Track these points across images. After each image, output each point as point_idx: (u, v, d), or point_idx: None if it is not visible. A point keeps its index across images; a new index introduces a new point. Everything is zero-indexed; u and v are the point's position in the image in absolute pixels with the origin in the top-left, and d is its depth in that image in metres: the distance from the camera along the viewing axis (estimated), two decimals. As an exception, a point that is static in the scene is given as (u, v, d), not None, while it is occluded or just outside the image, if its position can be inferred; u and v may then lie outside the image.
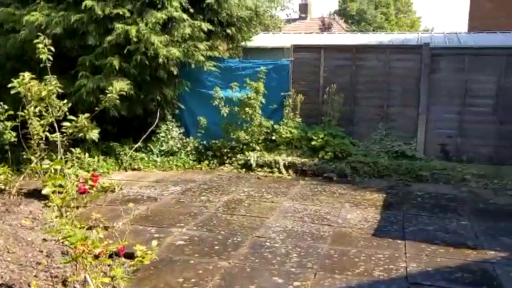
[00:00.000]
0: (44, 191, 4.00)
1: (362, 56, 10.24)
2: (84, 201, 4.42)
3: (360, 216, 6.93)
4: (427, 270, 5.05)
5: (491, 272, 5.02)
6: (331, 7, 43.29)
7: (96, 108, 7.78)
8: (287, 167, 9.52)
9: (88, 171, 8.72)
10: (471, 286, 4.74)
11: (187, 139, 10.46)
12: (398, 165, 9.35)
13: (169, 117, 10.48)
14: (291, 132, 9.96)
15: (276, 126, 10.13)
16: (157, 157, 10.14)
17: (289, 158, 9.62)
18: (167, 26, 9.17)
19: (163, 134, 10.39)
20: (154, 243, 4.59)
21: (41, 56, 7.27)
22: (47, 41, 7.30)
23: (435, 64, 9.78)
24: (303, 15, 29.08)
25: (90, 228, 4.67)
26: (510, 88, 9.35)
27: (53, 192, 4.11)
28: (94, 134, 7.45)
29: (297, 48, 10.52)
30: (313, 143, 9.76)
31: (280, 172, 9.45)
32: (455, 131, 9.80)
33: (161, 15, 8.86)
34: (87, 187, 4.22)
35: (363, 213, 7.08)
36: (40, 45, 7.25)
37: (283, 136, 9.93)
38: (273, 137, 10.06)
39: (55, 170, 5.85)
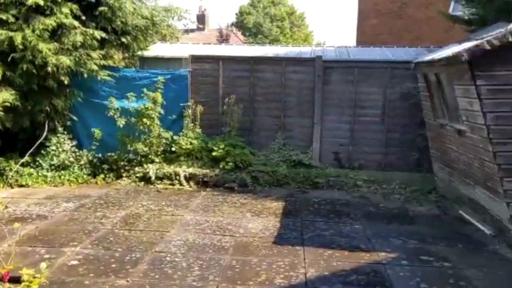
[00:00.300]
0: None
1: (259, 68, 10.43)
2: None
3: (261, 225, 7.01)
4: (324, 275, 5.23)
5: (383, 273, 5.31)
6: (228, 19, 43.96)
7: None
8: (188, 178, 9.39)
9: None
10: (365, 287, 4.98)
11: (81, 152, 9.90)
12: (296, 173, 9.63)
13: (60, 129, 9.86)
14: (191, 143, 9.84)
15: (175, 137, 9.95)
16: (48, 172, 9.47)
17: (190, 170, 9.49)
18: (56, 33, 8.67)
19: (53, 147, 9.73)
20: (44, 265, 4.25)
21: None
22: None
23: (327, 76, 10.25)
24: (201, 26, 29.11)
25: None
26: (395, 99, 10.06)
27: None
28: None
29: (196, 59, 10.47)
30: (213, 153, 9.73)
31: (180, 184, 9.30)
32: (347, 139, 10.31)
33: (49, 22, 8.35)
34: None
35: (264, 221, 7.18)
36: None
37: (183, 147, 9.79)
38: (173, 149, 9.87)
39: None
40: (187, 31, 22.23)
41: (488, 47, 5.69)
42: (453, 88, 6.91)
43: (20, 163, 9.01)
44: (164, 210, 7.68)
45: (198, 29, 28.51)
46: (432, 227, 7.17)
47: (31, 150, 9.19)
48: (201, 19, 30.35)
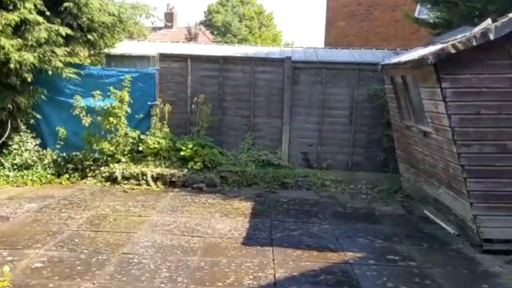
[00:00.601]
0: None
1: (228, 67, 10.39)
2: None
3: (230, 225, 6.99)
4: (293, 275, 5.25)
5: (350, 273, 5.38)
6: (197, 18, 43.66)
7: None
8: (156, 178, 9.27)
9: None
10: (333, 287, 5.02)
11: (44, 151, 9.65)
12: (264, 173, 9.65)
13: (23, 127, 9.58)
14: (159, 143, 9.72)
15: (143, 137, 9.81)
16: (9, 171, 9.20)
17: (157, 170, 9.38)
18: (20, 29, 8.40)
19: (16, 146, 9.46)
20: (7, 268, 4.10)
21: None
22: None
23: (296, 76, 10.30)
24: (168, 24, 28.85)
25: None
26: (362, 100, 10.19)
27: None
28: None
29: (164, 57, 10.33)
30: (182, 153, 9.64)
31: (148, 184, 9.17)
32: (315, 140, 10.38)
33: (12, 17, 8.10)
34: None
35: (233, 222, 7.16)
36: None
37: (151, 146, 9.66)
38: (140, 148, 9.73)
39: None
40: (154, 29, 22.01)
41: (453, 50, 5.82)
42: (418, 90, 7.05)
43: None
44: (131, 211, 7.56)
45: (166, 27, 28.28)
46: (398, 226, 7.30)
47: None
48: (169, 17, 30.08)
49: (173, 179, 9.34)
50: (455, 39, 6.29)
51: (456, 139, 6.08)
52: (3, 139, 8.99)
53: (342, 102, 10.29)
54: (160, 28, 26.35)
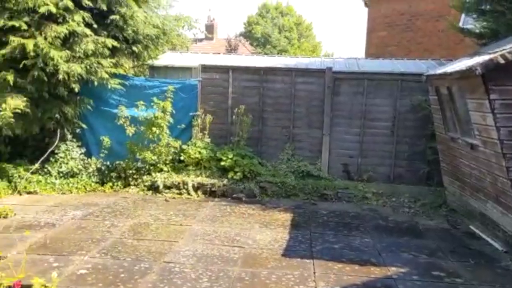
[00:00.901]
0: None
1: (269, 78, 10.43)
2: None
3: (269, 236, 6.96)
4: (336, 289, 5.16)
5: (394, 288, 5.24)
6: (236, 29, 44.09)
7: (-13, 127, 7.12)
8: (196, 188, 9.36)
9: (-25, 196, 7.96)
10: (377, 302, 4.91)
11: (89, 159, 9.90)
12: (304, 184, 9.58)
13: (69, 136, 9.87)
14: (200, 153, 9.82)
15: (184, 147, 9.95)
16: (56, 179, 9.47)
17: (198, 179, 9.47)
18: (68, 41, 8.69)
19: (62, 155, 9.74)
20: (55, 274, 4.22)
21: None
22: None
23: (337, 87, 10.23)
24: (209, 36, 29.23)
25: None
26: (404, 111, 10.01)
27: None
28: (-16, 155, 6.80)
29: (206, 68, 10.48)
30: (222, 163, 9.71)
31: (189, 193, 9.27)
32: (356, 151, 10.25)
33: (61, 29, 8.39)
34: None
35: (273, 233, 7.13)
36: None
37: (192, 156, 9.77)
38: (182, 158, 9.86)
39: None
40: (196, 40, 22.38)
41: (502, 61, 5.65)
42: (465, 102, 6.86)
43: (31, 171, 9.04)
44: (173, 220, 7.65)
45: (207, 38, 28.64)
46: (442, 241, 7.09)
47: (42, 158, 9.20)
48: (209, 29, 30.50)
49: (213, 189, 9.40)
50: (504, 49, 6.09)
51: (505, 153, 5.87)
52: (52, 148, 9.28)
53: (384, 113, 10.13)
54: (201, 40, 26.77)
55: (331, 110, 10.22)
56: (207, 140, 10.16)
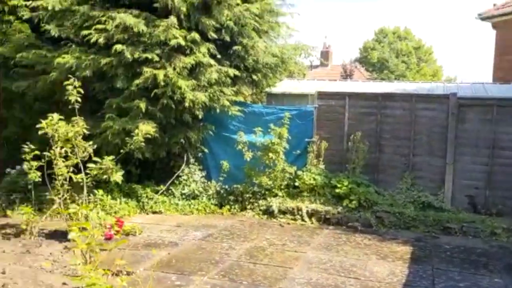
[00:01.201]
0: (70, 236, 3.92)
1: (387, 104, 10.16)
2: (108, 246, 4.31)
3: (387, 269, 6.67)
4: (462, 332, 4.77)
5: (532, 337, 4.71)
6: (351, 55, 43.78)
7: (122, 151, 7.78)
8: (310, 214, 9.33)
9: (110, 214, 8.71)
10: None
11: (209, 182, 10.37)
12: (425, 216, 9.07)
13: (192, 160, 10.44)
14: (314, 179, 9.81)
15: (299, 172, 10.01)
16: (179, 200, 10.05)
17: (313, 206, 9.44)
18: (194, 71, 9.27)
19: (185, 177, 10.32)
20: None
21: (70, 98, 7.35)
22: (76, 83, 7.39)
23: (462, 114, 9.64)
24: (325, 62, 29.42)
25: (113, 274, 4.55)
26: (540, 140, 9.13)
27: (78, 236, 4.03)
28: (118, 177, 7.44)
29: (322, 95, 10.52)
30: (337, 190, 9.58)
31: (303, 219, 9.26)
32: (483, 183, 9.52)
33: (189, 60, 8.98)
34: (112, 232, 4.12)
35: (391, 266, 6.82)
36: (70, 87, 7.35)
37: (307, 182, 9.79)
38: (296, 183, 9.92)
39: (80, 213, 5.78)
40: (311, 67, 22.64)
41: None
42: None
43: (160, 193, 9.73)
44: (287, 246, 7.67)
45: (322, 65, 28.86)
46: None
47: (170, 181, 9.84)
48: (325, 55, 30.72)
49: (327, 216, 9.29)
50: None
51: None
52: (179, 172, 9.90)
53: (516, 143, 9.32)
54: (316, 66, 27.04)
55: (455, 138, 9.64)
56: (322, 166, 10.12)
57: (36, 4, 9.03)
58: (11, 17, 9.53)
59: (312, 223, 9.22)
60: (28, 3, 9.23)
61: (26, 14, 9.36)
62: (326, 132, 10.39)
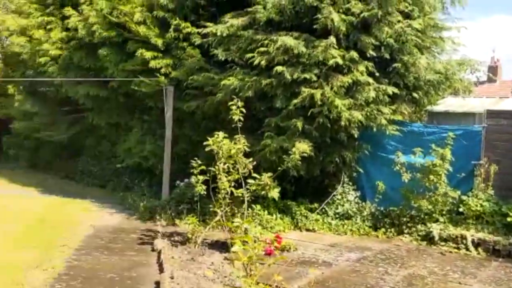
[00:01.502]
0: (233, 249, 4.13)
1: None
2: (268, 261, 4.44)
3: None
4: None
5: None
6: (524, 69, 39.55)
7: (279, 168, 8.00)
8: (476, 244, 8.53)
9: (266, 228, 9.00)
10: None
11: (363, 203, 10.13)
12: None
13: (346, 179, 10.32)
14: (481, 205, 8.97)
15: (464, 197, 9.24)
16: (332, 219, 9.97)
17: (479, 235, 8.62)
18: (351, 90, 9.20)
19: (339, 197, 10.23)
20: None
21: (233, 117, 7.82)
22: (239, 103, 7.84)
23: None
24: (493, 78, 26.97)
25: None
26: None
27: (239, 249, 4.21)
28: (275, 193, 7.65)
29: (492, 114, 9.62)
30: (508, 219, 8.63)
31: (467, 249, 8.50)
32: None
33: (346, 79, 8.95)
34: (272, 248, 4.24)
35: None
36: (234, 107, 7.82)
37: (472, 208, 8.99)
38: (460, 209, 9.17)
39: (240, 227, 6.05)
40: (476, 83, 20.96)
41: None
42: None
43: (316, 212, 9.87)
44: (450, 276, 7.09)
45: (490, 81, 26.53)
46: None
47: (326, 201, 9.89)
48: (492, 70, 28.16)
49: (496, 247, 8.40)
50: None
51: None
52: (334, 192, 9.89)
53: None
54: (482, 83, 24.91)
55: None
56: (491, 191, 9.22)
57: (206, 31, 9.84)
58: (185, 44, 10.51)
59: (478, 253, 8.42)
60: (199, 30, 10.10)
61: (197, 40, 10.25)
62: (496, 154, 9.46)
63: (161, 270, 6.68)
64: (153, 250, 7.93)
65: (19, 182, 15.22)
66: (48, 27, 13.79)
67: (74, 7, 12.73)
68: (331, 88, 8.95)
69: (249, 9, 9.51)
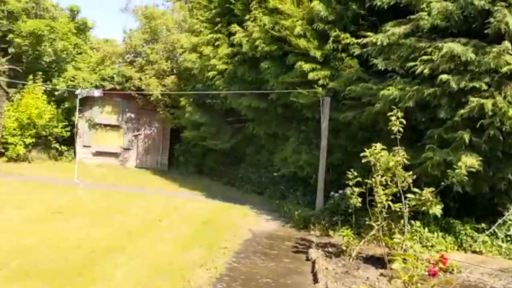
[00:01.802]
0: (393, 266, 3.97)
1: None
2: (430, 282, 4.17)
3: None
4: None
5: None
6: None
7: (442, 183, 7.51)
8: None
9: (426, 247, 8.52)
10: None
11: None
12: None
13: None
14: None
15: None
16: (502, 242, 9.04)
17: None
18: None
19: (510, 217, 9.21)
20: None
21: (392, 128, 7.58)
22: (399, 113, 7.57)
23: None
24: None
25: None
26: None
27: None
28: (437, 210, 7.19)
29: None
30: None
31: None
32: None
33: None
34: (437, 269, 3.98)
35: None
36: (393, 118, 7.58)
37: None
38: None
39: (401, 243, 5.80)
40: None
41: None
42: None
43: (487, 233, 9.07)
44: None
45: None
46: None
47: (499, 221, 9.02)
48: None
49: None
50: None
51: None
52: (507, 214, 8.99)
53: None
54: None
55: None
56: None
57: (366, 40, 9.68)
58: (343, 54, 10.48)
59: None
60: (359, 40, 9.99)
61: (356, 51, 10.14)
62: None
63: (315, 280, 6.72)
64: (307, 259, 8.01)
65: (187, 187, 16.64)
66: (216, 43, 14.87)
67: (239, 24, 13.55)
68: (504, 98, 8.11)
69: (412, 17, 9.12)
